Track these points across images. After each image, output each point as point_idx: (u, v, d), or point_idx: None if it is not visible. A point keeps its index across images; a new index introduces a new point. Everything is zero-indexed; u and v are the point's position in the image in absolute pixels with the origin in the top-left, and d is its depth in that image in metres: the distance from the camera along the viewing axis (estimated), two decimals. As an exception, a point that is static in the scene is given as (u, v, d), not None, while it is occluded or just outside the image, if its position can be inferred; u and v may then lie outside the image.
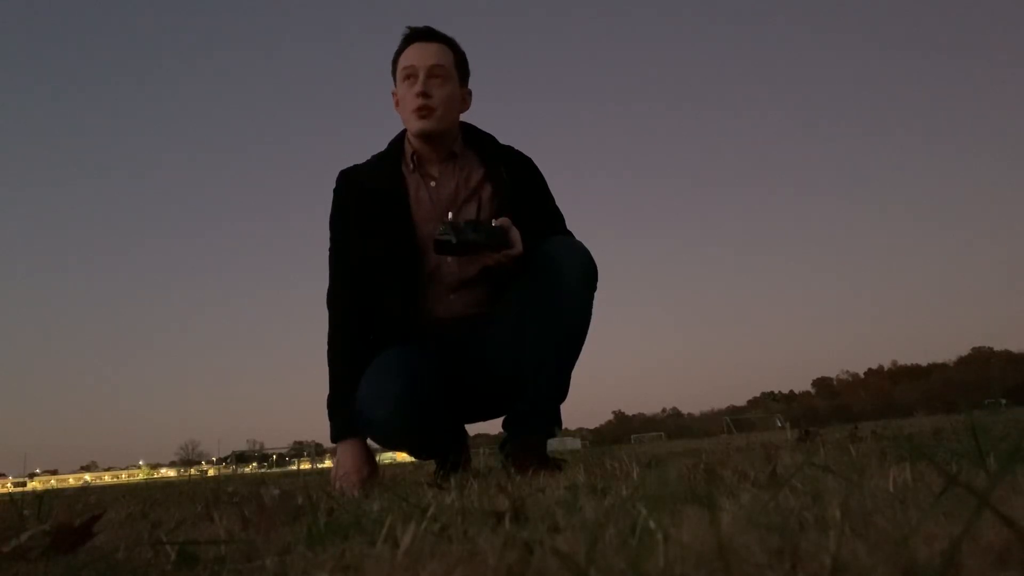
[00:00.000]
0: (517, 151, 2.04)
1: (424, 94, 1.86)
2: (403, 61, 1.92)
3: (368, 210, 1.90)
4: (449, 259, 1.87)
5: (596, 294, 1.78)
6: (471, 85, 2.02)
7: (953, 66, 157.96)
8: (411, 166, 1.94)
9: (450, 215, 1.73)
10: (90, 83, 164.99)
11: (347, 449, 1.80)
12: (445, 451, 1.87)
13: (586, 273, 1.72)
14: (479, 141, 2.03)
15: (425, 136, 1.90)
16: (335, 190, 1.98)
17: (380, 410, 1.69)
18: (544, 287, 1.72)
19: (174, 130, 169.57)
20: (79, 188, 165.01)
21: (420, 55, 1.89)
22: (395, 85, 1.97)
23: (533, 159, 2.04)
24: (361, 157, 2.08)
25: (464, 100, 1.99)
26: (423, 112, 1.86)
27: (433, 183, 1.93)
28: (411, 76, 1.89)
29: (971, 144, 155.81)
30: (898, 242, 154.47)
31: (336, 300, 1.90)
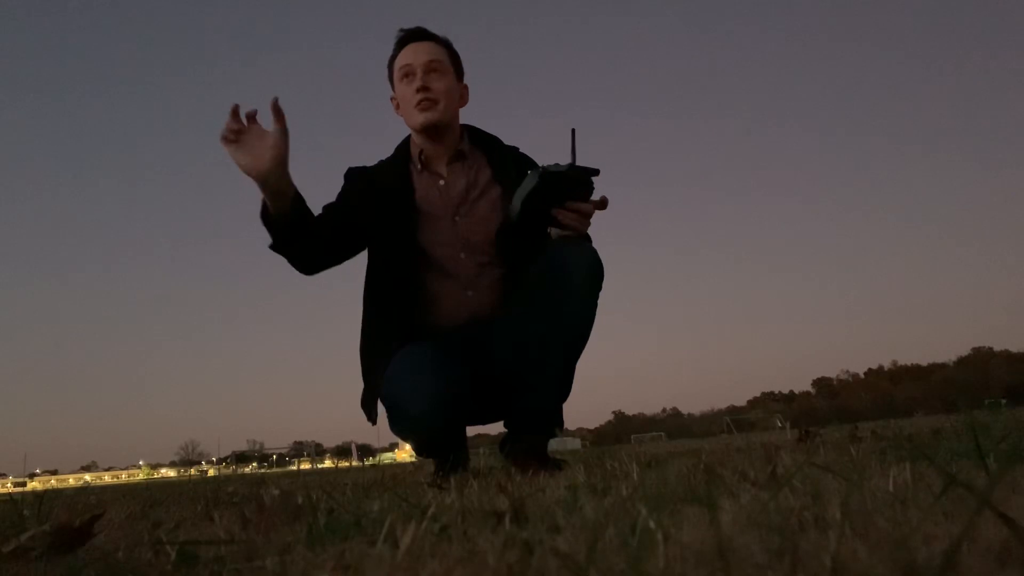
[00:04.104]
0: (522, 152, 2.05)
1: (424, 87, 1.87)
2: (399, 62, 1.93)
3: (377, 209, 1.90)
4: (463, 255, 1.87)
5: (600, 294, 1.78)
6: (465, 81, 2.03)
7: (954, 67, 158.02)
8: (419, 166, 1.94)
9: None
10: (113, 84, 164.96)
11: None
12: (452, 451, 1.88)
13: (592, 274, 1.72)
14: (485, 142, 2.04)
15: (430, 129, 1.90)
16: (344, 185, 1.98)
17: (420, 406, 1.71)
18: (549, 287, 1.71)
19: (175, 134, 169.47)
20: (80, 189, 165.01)
21: (415, 53, 1.91)
22: (393, 90, 1.99)
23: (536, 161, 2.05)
24: (366, 161, 2.08)
25: (462, 95, 2.00)
26: (426, 104, 1.87)
27: (442, 182, 1.94)
28: (409, 74, 1.90)
29: (971, 145, 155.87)
30: (898, 242, 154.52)
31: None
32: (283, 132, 1.57)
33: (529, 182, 1.61)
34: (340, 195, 1.95)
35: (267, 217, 1.68)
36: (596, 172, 1.62)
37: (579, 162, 1.61)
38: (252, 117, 1.57)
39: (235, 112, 1.55)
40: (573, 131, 1.63)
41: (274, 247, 1.73)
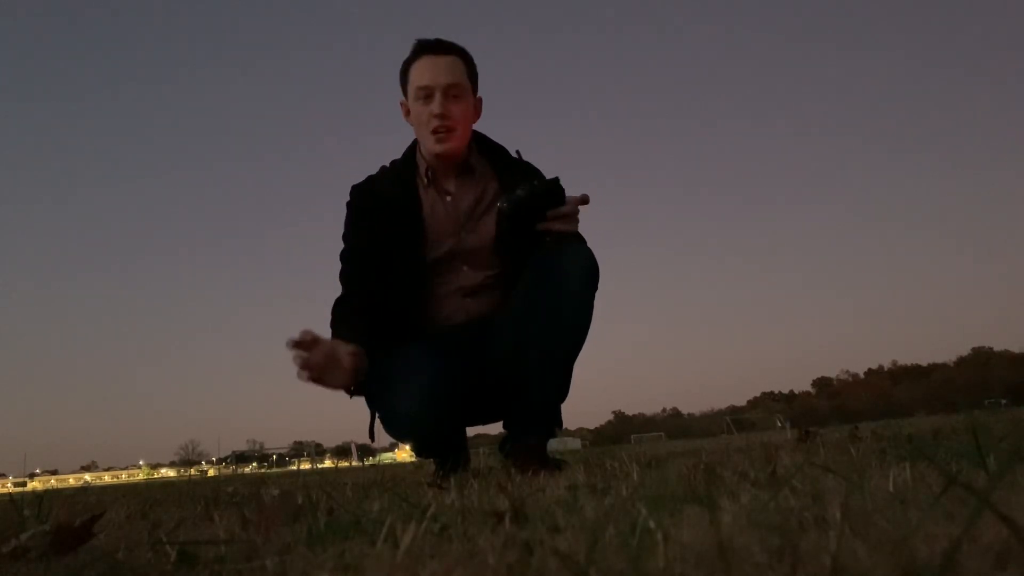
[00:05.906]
0: (528, 163, 2.03)
1: (443, 115, 1.84)
2: (416, 78, 1.88)
3: (383, 225, 1.89)
4: (465, 268, 1.89)
5: (597, 294, 1.78)
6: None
7: (954, 70, 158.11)
8: (425, 181, 1.94)
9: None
10: (114, 87, 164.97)
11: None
12: (450, 451, 1.88)
13: (587, 273, 1.72)
14: (492, 152, 2.02)
15: (444, 156, 1.90)
16: (348, 204, 1.97)
17: (407, 404, 1.72)
18: (546, 287, 1.72)
19: (176, 136, 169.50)
20: (79, 190, 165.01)
21: (434, 73, 1.86)
22: (404, 96, 1.96)
23: (541, 171, 2.04)
24: (369, 164, 2.07)
25: (477, 110, 1.98)
26: (443, 134, 1.85)
27: (449, 198, 1.93)
28: (427, 96, 1.86)
29: (971, 145, 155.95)
30: (898, 242, 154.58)
31: (349, 277, 1.89)
32: (357, 355, 1.61)
33: (498, 216, 1.69)
34: (354, 244, 1.93)
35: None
36: (556, 180, 1.68)
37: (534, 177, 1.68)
38: (314, 342, 1.58)
39: (297, 345, 1.55)
40: (518, 152, 1.74)
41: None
